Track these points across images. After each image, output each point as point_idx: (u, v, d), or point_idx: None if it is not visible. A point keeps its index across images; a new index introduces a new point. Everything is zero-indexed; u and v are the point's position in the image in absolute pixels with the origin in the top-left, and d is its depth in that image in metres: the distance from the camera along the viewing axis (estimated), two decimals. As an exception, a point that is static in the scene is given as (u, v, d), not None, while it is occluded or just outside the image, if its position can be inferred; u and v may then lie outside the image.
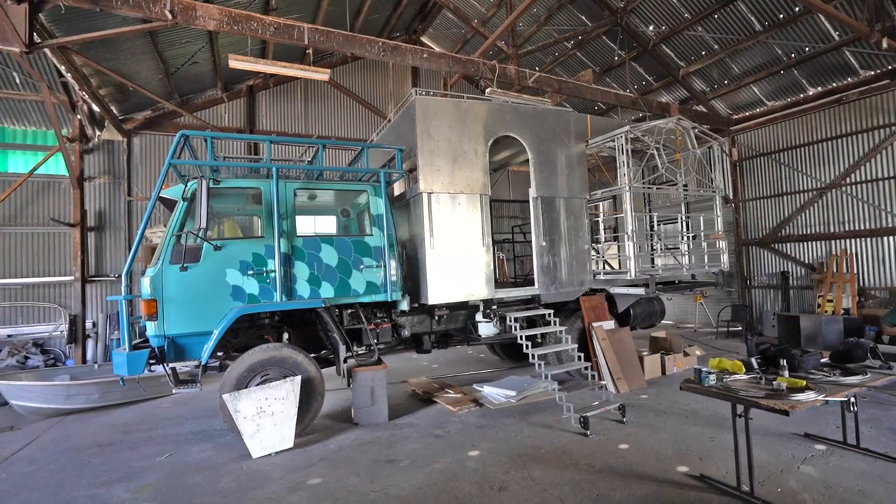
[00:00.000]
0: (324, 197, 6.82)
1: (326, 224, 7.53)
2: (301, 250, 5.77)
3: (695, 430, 5.18)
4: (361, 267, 6.05)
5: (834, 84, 10.05)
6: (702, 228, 8.45)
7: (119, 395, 7.32)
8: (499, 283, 7.46)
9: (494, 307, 6.79)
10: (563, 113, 7.52)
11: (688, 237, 8.32)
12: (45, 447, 5.67)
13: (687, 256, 8.15)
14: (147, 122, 10.91)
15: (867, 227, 9.75)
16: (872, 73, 9.45)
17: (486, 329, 6.95)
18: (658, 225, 8.84)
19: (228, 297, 5.33)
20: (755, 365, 4.06)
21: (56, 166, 10.13)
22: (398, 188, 7.64)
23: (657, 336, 8.57)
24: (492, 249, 6.66)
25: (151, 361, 5.22)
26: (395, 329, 6.64)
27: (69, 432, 6.20)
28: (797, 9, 8.81)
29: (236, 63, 7.27)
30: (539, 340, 7.16)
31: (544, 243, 7.04)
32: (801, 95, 10.62)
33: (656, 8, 10.15)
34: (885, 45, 7.63)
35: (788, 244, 11.15)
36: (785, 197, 11.21)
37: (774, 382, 3.62)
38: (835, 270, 9.90)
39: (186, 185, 5.41)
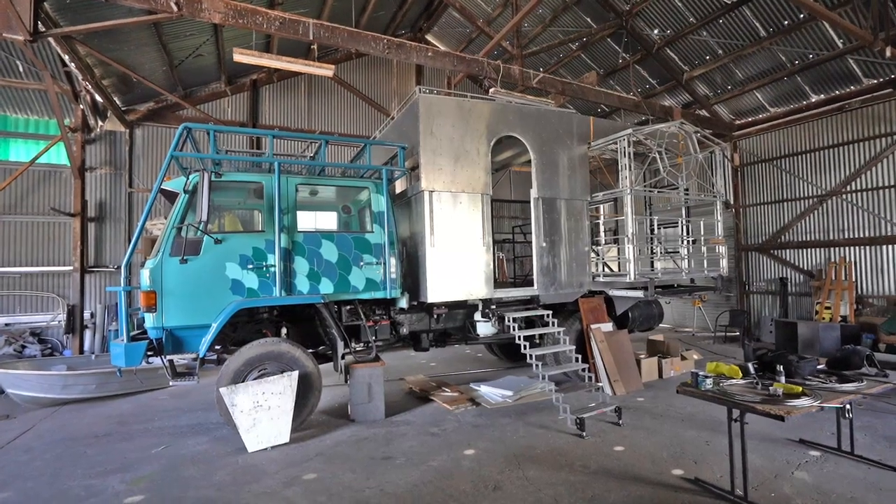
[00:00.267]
0: (325, 193, 6.82)
1: (327, 220, 7.53)
2: (301, 245, 5.77)
3: (690, 433, 5.20)
4: (361, 264, 6.06)
5: (837, 92, 10.05)
6: (702, 233, 8.46)
7: (116, 386, 7.32)
8: (498, 283, 7.46)
9: (493, 307, 6.79)
10: (565, 114, 7.52)
11: (688, 241, 8.33)
12: (40, 436, 5.67)
13: (687, 260, 8.16)
14: (150, 114, 10.90)
15: (866, 235, 9.77)
16: (875, 81, 9.46)
17: (485, 328, 6.96)
18: (658, 228, 8.85)
19: (228, 291, 5.33)
20: (752, 370, 4.07)
21: (58, 156, 10.12)
22: (399, 186, 7.65)
23: (655, 339, 8.59)
24: (492, 249, 6.67)
25: (149, 353, 5.22)
26: (393, 326, 6.64)
27: (65, 422, 6.20)
28: (802, 15, 8.82)
29: (241, 57, 7.27)
30: (537, 341, 7.17)
31: (544, 244, 7.04)
32: (804, 102, 10.62)
33: (662, 11, 10.14)
34: (888, 53, 7.65)
35: (788, 250, 11.17)
36: (785, 203, 11.22)
37: (771, 388, 3.63)
38: (833, 278, 9.92)
39: (188, 178, 5.40)
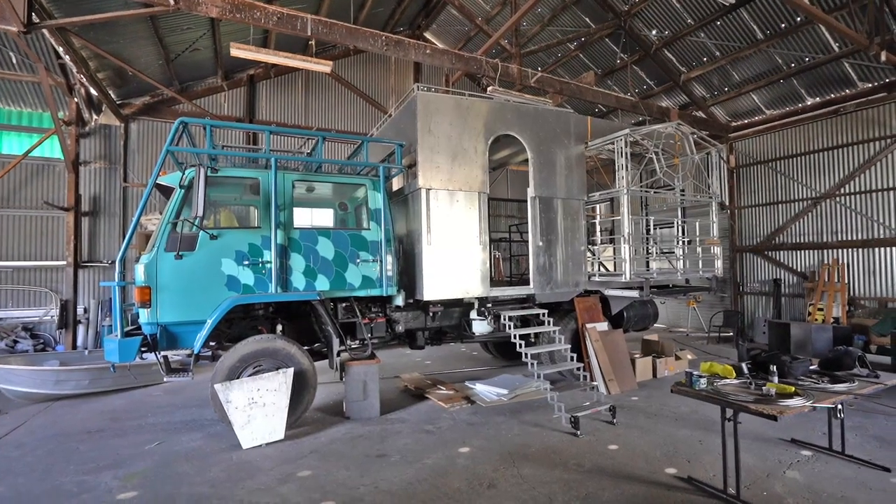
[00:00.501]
0: (322, 189, 6.80)
1: (323, 217, 7.51)
2: (297, 242, 5.75)
3: (684, 432, 5.23)
4: (358, 261, 6.05)
5: (832, 95, 10.13)
6: (697, 233, 8.51)
7: (109, 381, 7.28)
8: (494, 282, 7.47)
9: (489, 305, 6.80)
10: (563, 114, 7.53)
11: (683, 242, 8.37)
12: (32, 432, 5.63)
13: (682, 261, 8.19)
14: (145, 108, 10.82)
15: (859, 237, 9.85)
16: (870, 85, 9.54)
17: (480, 327, 6.97)
18: (654, 229, 8.88)
19: (223, 287, 5.30)
20: (746, 370, 4.10)
21: (51, 149, 10.03)
22: (396, 183, 7.64)
23: (649, 339, 8.63)
24: (488, 248, 6.68)
25: (143, 349, 5.19)
26: (389, 324, 6.64)
27: (57, 418, 6.16)
28: (799, 19, 8.87)
29: (238, 52, 7.23)
30: (532, 340, 7.19)
31: (541, 243, 7.06)
32: (800, 105, 10.70)
33: (660, 12, 10.18)
34: (883, 57, 7.70)
35: (781, 252, 11.25)
36: (780, 205, 11.30)
37: (764, 388, 3.66)
38: (826, 279, 10.01)
39: (184, 173, 5.37)
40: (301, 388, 5.44)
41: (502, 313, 6.62)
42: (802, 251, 10.83)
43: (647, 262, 8.54)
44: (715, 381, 3.97)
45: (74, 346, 9.66)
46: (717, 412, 3.85)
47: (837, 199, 10.21)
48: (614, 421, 5.57)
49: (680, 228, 8.50)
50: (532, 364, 6.04)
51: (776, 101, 10.97)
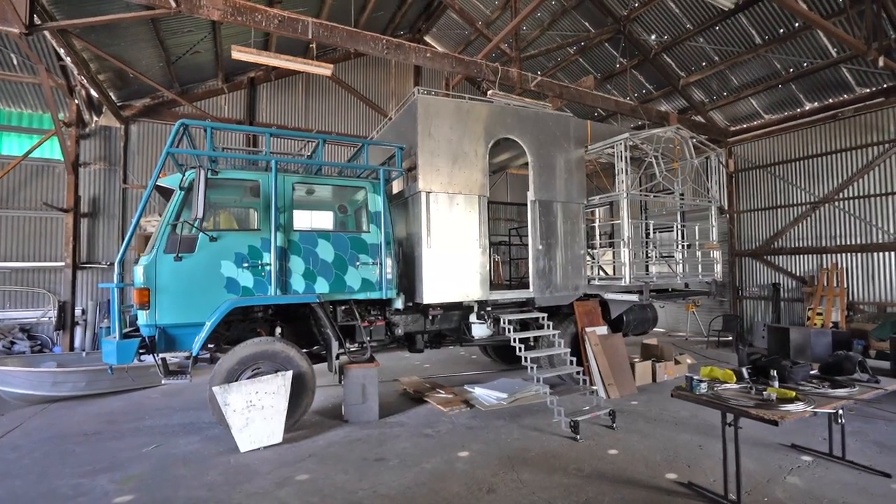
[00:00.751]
0: (322, 192, 6.80)
1: (323, 219, 7.51)
2: (297, 244, 5.74)
3: (684, 437, 5.21)
4: (357, 263, 6.04)
5: (830, 100, 10.17)
6: (697, 238, 8.51)
7: (106, 383, 7.24)
8: (493, 286, 7.47)
9: (489, 308, 6.80)
10: (563, 118, 7.55)
11: (683, 246, 8.38)
12: (28, 434, 5.60)
13: (681, 265, 8.19)
14: (146, 110, 10.83)
15: (858, 242, 9.87)
16: (868, 90, 9.58)
17: (480, 330, 6.95)
18: (654, 232, 8.89)
19: (222, 289, 5.29)
20: (746, 375, 4.09)
21: (51, 150, 10.03)
22: (396, 186, 7.64)
23: (649, 343, 8.63)
24: (488, 251, 6.67)
25: (141, 351, 5.17)
26: (388, 327, 6.62)
27: (54, 420, 6.13)
28: (797, 24, 8.92)
29: (239, 54, 7.24)
30: (532, 343, 7.17)
31: (541, 247, 7.05)
32: (798, 110, 10.74)
33: (659, 17, 10.22)
34: (881, 63, 7.74)
35: (780, 256, 11.27)
36: (778, 209, 11.32)
37: (765, 393, 3.65)
38: (825, 284, 10.01)
39: (184, 175, 5.36)
40: (300, 391, 5.41)
41: (502, 317, 6.61)
42: (801, 256, 10.85)
43: (647, 266, 8.54)
44: (715, 385, 3.97)
45: (72, 348, 9.63)
46: (717, 417, 3.84)
47: (836, 203, 10.23)
48: (614, 425, 5.56)
49: (679, 232, 8.50)
50: (532, 368, 6.03)
51: (775, 105, 11.01)
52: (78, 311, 9.93)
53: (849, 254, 9.98)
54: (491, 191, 6.86)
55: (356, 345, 6.38)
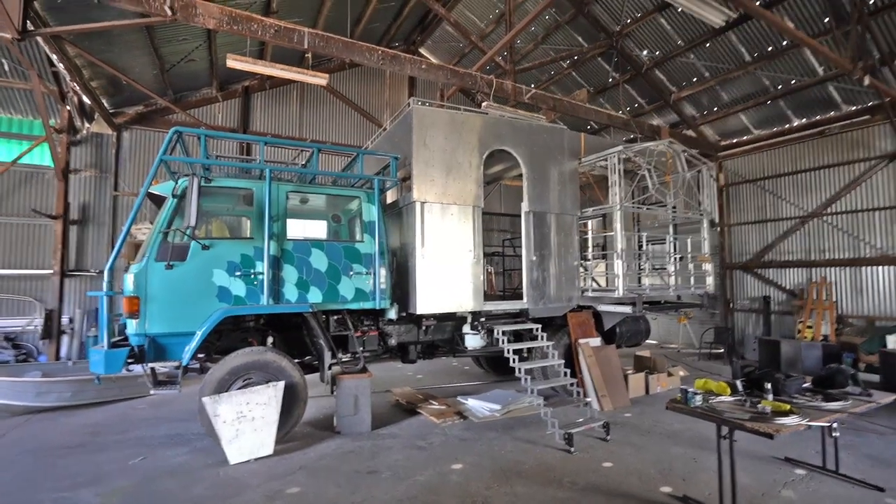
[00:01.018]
0: (316, 201, 6.77)
1: (317, 229, 7.46)
2: (290, 254, 5.70)
3: (678, 450, 5.20)
4: (351, 273, 6.00)
5: (818, 117, 10.37)
6: (689, 250, 8.58)
7: (92, 394, 7.09)
8: (487, 296, 7.45)
9: (482, 319, 6.77)
10: (557, 130, 7.62)
11: (675, 258, 8.44)
12: (10, 446, 5.45)
13: (673, 277, 8.24)
14: (138, 118, 10.77)
15: (846, 256, 10.01)
16: (854, 108, 9.79)
17: (473, 341, 6.91)
18: (646, 245, 8.95)
19: (214, 298, 5.22)
20: (740, 387, 4.10)
21: (41, 157, 9.90)
22: (390, 196, 7.63)
23: (641, 355, 8.63)
24: (482, 262, 6.66)
25: (130, 361, 5.06)
26: (381, 337, 6.57)
27: (37, 431, 5.97)
28: (785, 42, 9.11)
29: (234, 63, 7.24)
30: (525, 355, 7.14)
31: (534, 258, 7.06)
32: (787, 126, 10.94)
33: (651, 34, 10.41)
34: (866, 81, 7.92)
35: (771, 269, 11.38)
36: (768, 223, 11.46)
37: (759, 405, 3.66)
38: (815, 297, 10.12)
39: (177, 182, 5.32)
40: (291, 401, 5.33)
41: (496, 328, 6.59)
42: (791, 269, 10.97)
43: (640, 278, 8.58)
44: (710, 398, 3.96)
45: (58, 357, 9.42)
46: (711, 429, 3.83)
47: (824, 217, 10.39)
48: (608, 438, 5.53)
49: (672, 245, 8.56)
50: (525, 379, 6.00)
51: (764, 121, 11.21)
52: (65, 320, 9.74)
53: (837, 267, 10.11)
54: (485, 202, 6.87)
55: (349, 355, 6.32)
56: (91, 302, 9.91)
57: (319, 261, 5.84)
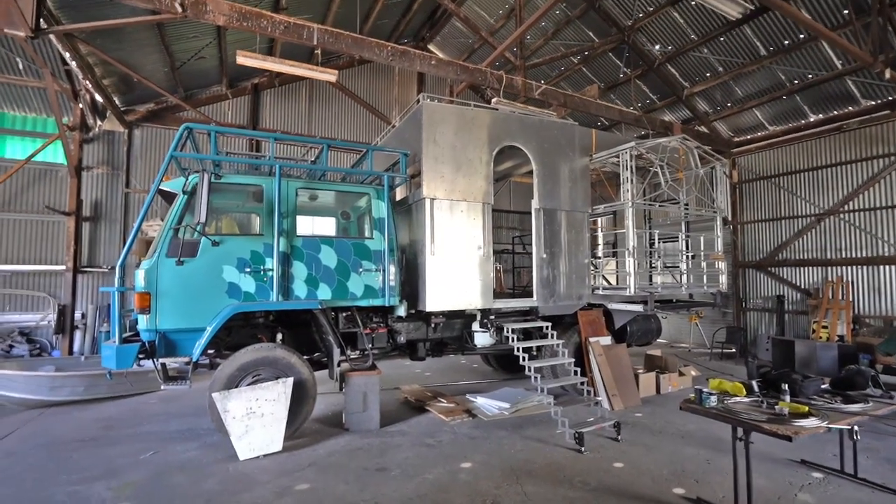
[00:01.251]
0: (325, 198, 6.76)
1: (326, 225, 7.46)
2: (300, 250, 5.69)
3: (690, 451, 5.12)
4: (360, 270, 5.98)
5: (835, 112, 10.15)
6: (702, 248, 8.45)
7: (105, 388, 7.16)
8: (496, 294, 7.41)
9: (492, 317, 6.72)
10: (567, 126, 7.53)
11: (687, 256, 8.31)
12: (24, 440, 5.51)
13: (686, 275, 8.12)
14: (149, 115, 10.84)
15: (863, 255, 9.80)
16: (873, 103, 9.56)
17: (482, 339, 6.88)
18: (658, 242, 8.83)
19: (224, 294, 5.23)
20: (756, 388, 4.01)
21: (55, 154, 10.02)
22: (399, 193, 7.59)
23: (652, 354, 8.53)
24: (491, 259, 6.62)
25: (141, 356, 5.10)
26: (390, 334, 6.55)
27: (50, 425, 6.04)
28: (802, 36, 8.92)
29: (244, 60, 7.23)
30: (535, 353, 7.09)
31: (544, 255, 7.00)
32: (803, 122, 10.72)
33: (663, 28, 10.24)
34: (887, 75, 7.72)
35: (785, 268, 11.19)
36: (783, 221, 11.26)
37: (776, 407, 3.56)
38: (830, 297, 9.93)
39: (187, 179, 5.33)
40: (300, 398, 5.33)
41: (505, 325, 6.54)
42: (806, 268, 10.77)
43: (651, 276, 8.47)
44: (725, 398, 3.88)
45: (71, 352, 9.55)
46: (725, 430, 3.76)
47: (841, 215, 10.18)
48: (619, 437, 5.46)
49: (684, 242, 8.44)
50: (535, 378, 5.94)
51: (779, 117, 11.00)
52: (78, 315, 9.86)
53: (854, 267, 9.91)
54: (494, 199, 6.81)
55: (358, 352, 6.31)
56: (103, 297, 10.02)
57: (329, 257, 5.83)
